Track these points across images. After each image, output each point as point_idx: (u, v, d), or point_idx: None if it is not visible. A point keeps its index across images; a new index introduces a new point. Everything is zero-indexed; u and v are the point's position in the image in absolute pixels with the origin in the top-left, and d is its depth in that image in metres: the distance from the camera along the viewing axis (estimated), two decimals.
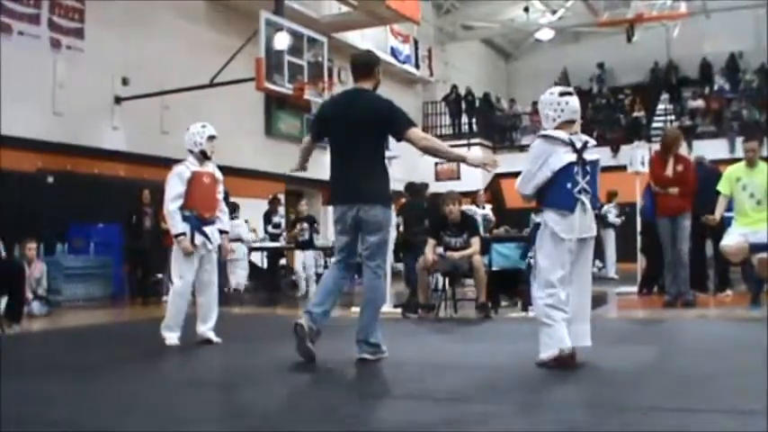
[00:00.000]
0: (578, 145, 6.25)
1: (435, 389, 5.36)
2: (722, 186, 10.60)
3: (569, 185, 6.18)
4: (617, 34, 30.33)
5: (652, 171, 11.68)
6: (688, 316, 10.36)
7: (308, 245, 17.08)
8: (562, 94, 6.42)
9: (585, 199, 6.21)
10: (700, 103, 29.45)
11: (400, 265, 15.66)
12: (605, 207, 18.36)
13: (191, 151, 8.48)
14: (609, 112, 30.49)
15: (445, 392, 5.26)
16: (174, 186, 8.25)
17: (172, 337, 8.12)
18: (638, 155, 14.23)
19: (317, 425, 4.44)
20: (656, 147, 13.33)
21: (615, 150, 26.23)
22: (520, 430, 4.27)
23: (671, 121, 28.81)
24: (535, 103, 30.88)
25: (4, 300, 10.58)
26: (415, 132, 6.74)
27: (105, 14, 16.58)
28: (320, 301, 6.69)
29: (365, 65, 7.02)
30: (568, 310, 6.13)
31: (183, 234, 8.11)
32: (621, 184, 17.26)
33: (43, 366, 6.96)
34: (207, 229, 8.31)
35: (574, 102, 6.39)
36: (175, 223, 8.14)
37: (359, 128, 6.68)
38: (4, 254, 11.17)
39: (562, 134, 6.23)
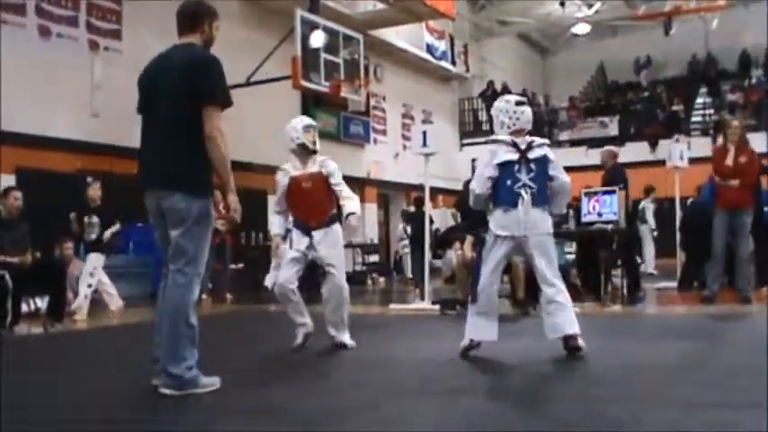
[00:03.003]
0: (522, 146, 6.57)
1: (469, 386, 5.35)
2: None
3: (509, 182, 6.50)
4: (654, 27, 30.18)
5: (713, 161, 11.48)
6: (730, 312, 10.27)
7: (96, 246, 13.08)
8: (518, 104, 6.78)
9: (526, 194, 6.47)
10: (739, 96, 29.17)
11: (439, 262, 15.66)
12: (642, 203, 18.26)
13: (292, 151, 7.80)
14: (647, 106, 30.26)
15: (478, 390, 5.26)
16: (276, 194, 7.78)
17: (298, 336, 7.60)
18: (676, 149, 14.13)
19: (353, 424, 4.45)
20: (696, 140, 13.23)
21: (653, 145, 26.06)
22: (559, 424, 4.26)
23: (710, 115, 28.56)
24: (572, 98, 30.89)
25: (46, 299, 10.71)
26: (213, 115, 5.24)
27: (142, 15, 16.70)
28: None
29: (189, 15, 5.73)
30: (485, 304, 6.62)
31: (279, 235, 7.69)
32: (659, 179, 17.16)
33: (86, 363, 7.03)
34: (317, 234, 7.51)
35: (528, 112, 6.76)
36: (273, 222, 7.89)
37: (161, 90, 5.47)
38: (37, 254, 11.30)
39: (506, 137, 6.63)
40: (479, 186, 6.67)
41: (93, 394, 5.53)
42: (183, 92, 5.26)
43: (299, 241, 7.53)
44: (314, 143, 7.68)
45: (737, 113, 27.75)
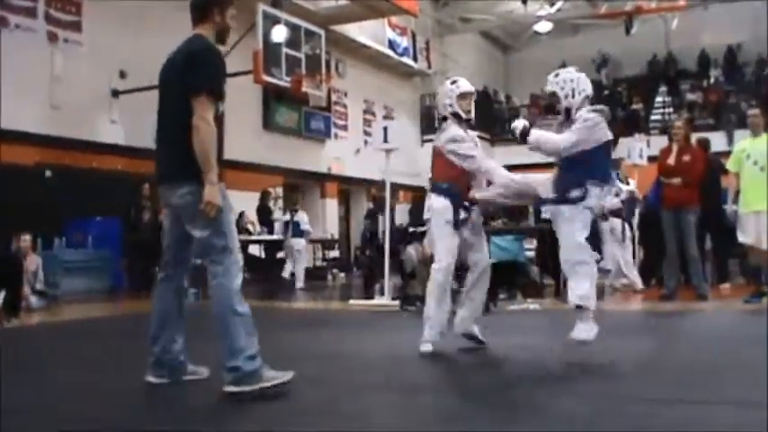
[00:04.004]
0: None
1: (430, 382, 5.36)
2: (731, 164, 10.68)
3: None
4: (616, 26, 30.31)
5: (659, 161, 11.60)
6: (685, 309, 10.37)
7: None
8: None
9: None
10: (698, 95, 29.43)
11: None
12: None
13: (444, 118, 7.10)
14: (607, 104, 30.37)
15: (440, 386, 5.27)
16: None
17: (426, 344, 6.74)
18: (635, 147, 14.24)
19: (314, 418, 4.44)
20: (655, 139, 13.37)
21: (614, 143, 26.20)
22: (526, 423, 4.27)
23: (669, 114, 28.80)
24: (533, 96, 31.01)
25: (2, 294, 10.60)
26: (201, 106, 5.03)
27: (102, 7, 16.54)
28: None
29: (197, 5, 5.49)
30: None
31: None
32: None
33: (41, 360, 6.97)
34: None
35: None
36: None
37: (167, 84, 5.40)
38: None
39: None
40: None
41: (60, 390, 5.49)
42: (179, 85, 5.15)
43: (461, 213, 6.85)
44: (468, 113, 7.05)
45: (696, 113, 28.08)
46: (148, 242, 15.04)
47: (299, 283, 16.82)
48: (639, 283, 12.85)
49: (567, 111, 6.65)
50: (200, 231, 5.11)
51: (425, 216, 6.96)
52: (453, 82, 7.11)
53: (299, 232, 16.95)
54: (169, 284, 5.55)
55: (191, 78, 5.08)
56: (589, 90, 6.63)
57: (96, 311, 11.98)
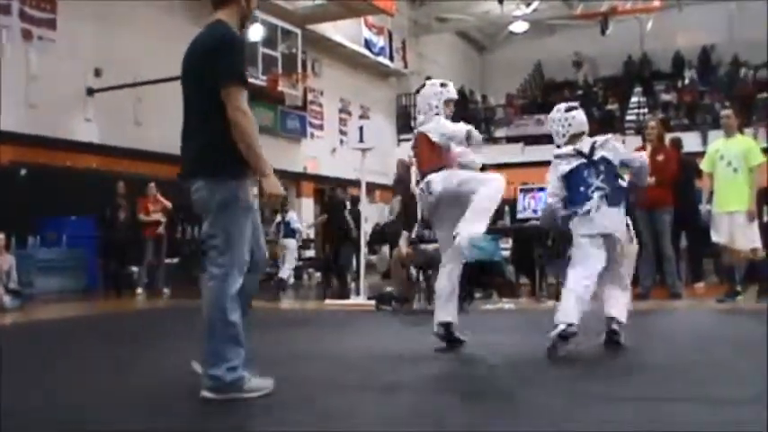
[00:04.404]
0: (585, 150, 6.68)
1: (408, 381, 5.36)
2: (704, 165, 10.77)
3: (582, 188, 6.60)
4: (591, 27, 30.45)
5: None
6: (659, 307, 10.43)
7: None
8: (568, 110, 6.90)
9: (599, 197, 6.55)
10: (672, 96, 29.60)
11: (374, 258, 15.68)
12: None
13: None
14: (582, 105, 30.47)
15: (418, 385, 5.27)
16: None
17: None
18: None
19: (293, 417, 4.44)
20: (630, 139, 13.43)
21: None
22: (498, 422, 4.29)
23: (644, 114, 28.91)
24: (509, 95, 31.10)
25: None
26: (233, 96, 4.75)
27: (78, 5, 16.45)
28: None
29: None
30: None
31: None
32: None
33: (11, 361, 6.92)
34: None
35: (579, 116, 6.89)
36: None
37: (188, 75, 5.14)
38: None
39: (567, 149, 6.75)
40: (553, 201, 6.85)
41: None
42: (200, 74, 4.89)
43: None
44: (448, 117, 7.06)
45: (671, 113, 28.22)
46: (123, 241, 15.01)
47: (289, 281, 16.91)
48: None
49: None
50: (208, 226, 4.89)
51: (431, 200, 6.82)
52: (443, 85, 7.12)
53: (289, 232, 16.92)
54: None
55: (217, 69, 4.79)
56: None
57: (71, 311, 11.92)
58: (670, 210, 11.21)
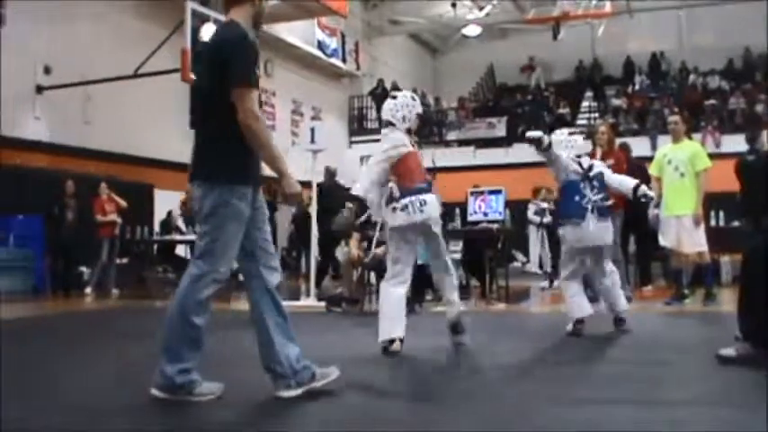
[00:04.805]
0: (585, 166, 8.00)
1: (355, 383, 5.36)
2: (653, 169, 10.89)
3: (577, 198, 7.85)
4: (543, 32, 30.64)
5: None
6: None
7: None
8: (570, 134, 8.36)
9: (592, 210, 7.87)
10: (623, 101, 29.87)
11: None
12: (530, 204, 18.56)
13: (389, 123, 7.07)
14: (534, 109, 30.72)
15: (365, 386, 5.28)
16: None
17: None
18: None
19: (245, 419, 4.42)
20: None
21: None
22: (446, 424, 4.30)
23: (595, 119, 29.14)
24: (461, 99, 31.18)
25: None
26: (244, 99, 4.63)
27: (27, 1, 16.26)
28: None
29: None
30: None
31: None
32: (548, 180, 17.44)
33: None
34: None
35: (580, 139, 8.31)
36: None
37: (198, 77, 5.06)
38: None
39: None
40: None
41: None
42: (208, 76, 4.78)
43: None
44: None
45: (621, 118, 28.48)
46: (71, 241, 14.87)
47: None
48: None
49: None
50: (199, 228, 4.84)
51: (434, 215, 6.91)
52: (413, 98, 7.12)
53: None
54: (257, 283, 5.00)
55: (229, 70, 4.66)
56: None
57: (19, 311, 11.77)
58: (620, 213, 11.32)
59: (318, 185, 13.66)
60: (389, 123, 7.01)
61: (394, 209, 6.72)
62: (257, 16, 5.01)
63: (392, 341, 6.60)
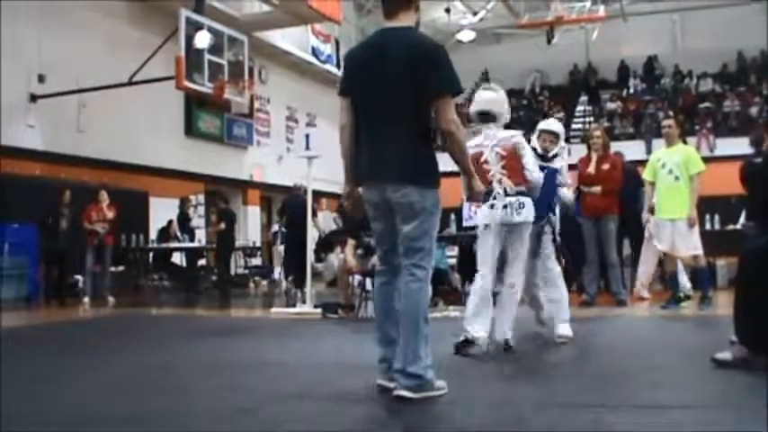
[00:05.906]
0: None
1: (352, 389, 5.35)
2: (647, 173, 10.89)
3: None
4: (537, 36, 30.68)
5: (579, 170, 11.72)
6: (604, 314, 10.51)
7: None
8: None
9: None
10: (617, 105, 29.93)
11: (320, 265, 15.64)
12: None
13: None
14: (528, 113, 30.77)
15: (362, 393, 5.26)
16: None
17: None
18: None
19: (229, 427, 4.41)
20: (576, 147, 13.53)
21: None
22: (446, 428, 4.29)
23: (589, 123, 29.22)
24: (456, 104, 31.17)
25: None
26: (448, 107, 4.87)
27: (20, 9, 16.24)
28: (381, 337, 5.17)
29: None
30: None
31: None
32: None
33: None
34: None
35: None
36: None
37: (383, 80, 4.95)
38: None
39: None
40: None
41: None
42: (409, 82, 4.85)
43: None
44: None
45: (616, 122, 28.53)
46: (65, 250, 14.84)
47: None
48: None
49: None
50: (413, 230, 4.93)
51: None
52: None
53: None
54: (380, 275, 5.26)
55: (434, 78, 4.84)
56: None
57: (14, 320, 11.73)
58: (615, 218, 11.34)
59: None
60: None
61: None
62: (417, 24, 5.18)
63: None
